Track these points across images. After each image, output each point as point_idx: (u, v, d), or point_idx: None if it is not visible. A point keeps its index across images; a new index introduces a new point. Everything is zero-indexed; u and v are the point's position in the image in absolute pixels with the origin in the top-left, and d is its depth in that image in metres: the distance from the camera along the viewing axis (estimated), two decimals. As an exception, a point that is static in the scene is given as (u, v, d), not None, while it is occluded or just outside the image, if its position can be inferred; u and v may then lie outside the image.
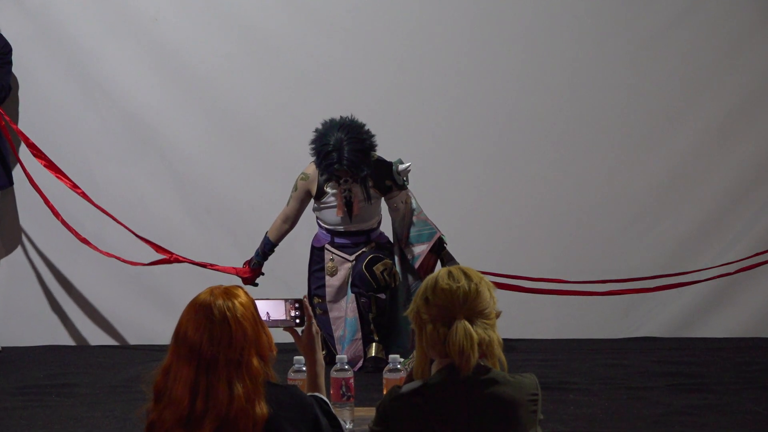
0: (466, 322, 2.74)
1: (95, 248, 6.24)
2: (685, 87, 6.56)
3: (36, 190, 6.28)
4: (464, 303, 2.75)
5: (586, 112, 6.57)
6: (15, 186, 6.55)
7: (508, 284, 6.02)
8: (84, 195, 6.25)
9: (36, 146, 6.25)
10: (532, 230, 6.57)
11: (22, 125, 6.49)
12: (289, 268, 6.26)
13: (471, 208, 6.57)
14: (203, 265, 6.12)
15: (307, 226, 6.04)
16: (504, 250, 6.51)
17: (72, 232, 6.26)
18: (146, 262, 6.18)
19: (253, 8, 6.57)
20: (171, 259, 6.15)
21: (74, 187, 6.26)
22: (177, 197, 6.60)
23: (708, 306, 6.48)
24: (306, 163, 5.83)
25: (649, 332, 6.49)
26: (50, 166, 6.26)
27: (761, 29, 6.52)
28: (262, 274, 6.04)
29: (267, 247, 5.99)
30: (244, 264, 6.07)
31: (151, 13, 6.55)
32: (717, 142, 6.55)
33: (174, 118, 6.58)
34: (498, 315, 2.82)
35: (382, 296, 5.74)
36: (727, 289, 6.44)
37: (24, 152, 6.36)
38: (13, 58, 6.45)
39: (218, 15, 6.57)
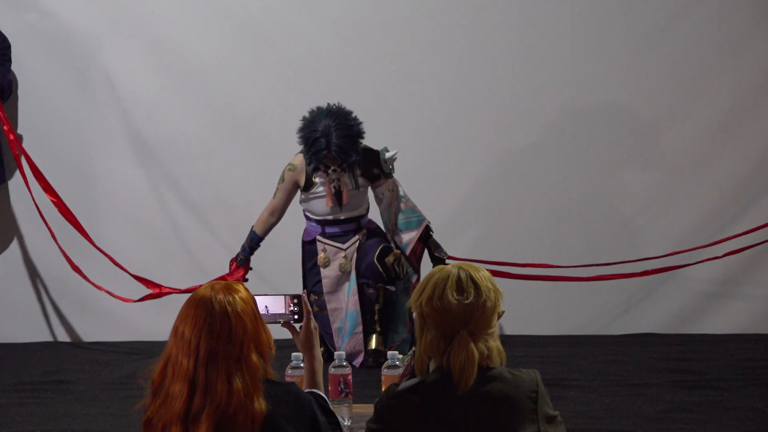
0: (469, 339, 2.70)
1: (87, 279, 6.21)
2: (686, 79, 6.53)
3: (40, 215, 6.25)
4: (469, 320, 2.71)
5: (588, 101, 6.54)
6: (9, 183, 6.52)
7: (501, 271, 6.00)
8: (85, 234, 6.20)
9: (36, 167, 6.19)
10: (532, 222, 6.55)
11: (21, 122, 6.46)
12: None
13: (468, 198, 6.54)
14: (191, 291, 6.02)
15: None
16: (503, 241, 6.50)
17: (67, 260, 6.22)
18: (136, 299, 6.18)
19: (251, 1, 6.54)
20: (161, 293, 6.13)
21: (82, 231, 6.21)
22: (173, 191, 6.58)
23: (709, 302, 6.47)
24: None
25: (650, 328, 6.48)
26: (47, 189, 6.20)
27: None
28: (251, 268, 6.01)
29: (254, 242, 5.96)
30: (231, 262, 6.03)
31: (149, 7, 6.52)
32: (720, 134, 6.53)
33: (172, 112, 6.56)
34: (500, 315, 2.79)
35: (392, 288, 5.72)
36: (729, 285, 6.43)
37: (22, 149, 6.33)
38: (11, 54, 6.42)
39: (215, 8, 6.54)
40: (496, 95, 6.53)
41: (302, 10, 6.55)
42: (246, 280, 5.96)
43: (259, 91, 6.56)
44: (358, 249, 5.79)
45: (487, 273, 2.80)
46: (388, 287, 5.71)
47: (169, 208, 6.58)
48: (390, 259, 5.68)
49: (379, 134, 5.85)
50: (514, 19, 6.52)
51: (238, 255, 6.00)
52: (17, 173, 6.42)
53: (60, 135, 6.55)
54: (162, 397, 2.65)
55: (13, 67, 6.47)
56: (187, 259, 6.52)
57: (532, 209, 6.54)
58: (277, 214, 5.92)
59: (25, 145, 6.39)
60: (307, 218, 5.90)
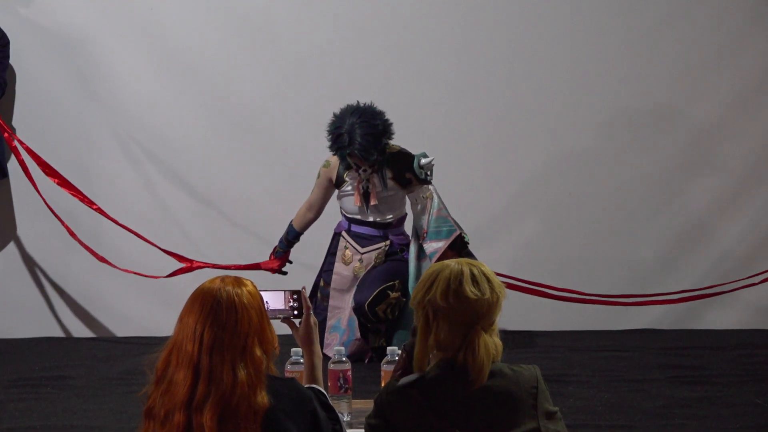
0: (485, 336, 2.70)
1: (114, 266, 6.18)
2: (684, 80, 6.53)
3: (52, 213, 6.23)
4: (486, 315, 2.72)
5: (587, 102, 6.53)
6: (10, 178, 6.52)
7: (516, 285, 6.01)
8: (100, 210, 6.19)
9: (48, 164, 6.18)
10: (531, 222, 6.55)
11: (17, 119, 6.45)
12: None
13: (468, 200, 6.52)
14: (226, 268, 6.00)
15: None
16: (505, 242, 6.50)
17: (89, 251, 6.20)
18: (165, 275, 6.12)
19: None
20: (192, 266, 6.09)
21: (90, 203, 6.19)
22: (174, 188, 6.57)
23: (709, 298, 6.44)
24: (303, 151, 5.82)
25: (650, 324, 6.47)
26: (64, 183, 6.17)
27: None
28: (290, 262, 6.00)
29: (290, 235, 5.94)
30: (270, 255, 6.02)
31: (147, 1, 6.51)
32: (718, 134, 6.53)
33: (170, 106, 6.55)
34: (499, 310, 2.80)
35: (382, 328, 5.72)
36: (728, 281, 6.41)
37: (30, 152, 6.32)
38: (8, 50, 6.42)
39: (215, 2, 6.53)
40: (498, 92, 6.53)
41: (302, 5, 6.54)
42: (284, 273, 5.95)
43: (258, 86, 6.55)
44: (368, 270, 5.76)
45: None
46: (378, 327, 5.71)
47: (169, 203, 6.57)
48: (382, 307, 5.65)
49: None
50: (514, 17, 6.51)
51: (275, 247, 6.00)
52: (19, 169, 6.41)
53: (57, 130, 6.53)
54: (165, 384, 2.67)
55: (11, 62, 6.46)
56: (187, 254, 6.50)
57: (536, 209, 6.54)
58: (314, 209, 5.91)
59: (21, 139, 6.36)
60: (342, 212, 5.90)
